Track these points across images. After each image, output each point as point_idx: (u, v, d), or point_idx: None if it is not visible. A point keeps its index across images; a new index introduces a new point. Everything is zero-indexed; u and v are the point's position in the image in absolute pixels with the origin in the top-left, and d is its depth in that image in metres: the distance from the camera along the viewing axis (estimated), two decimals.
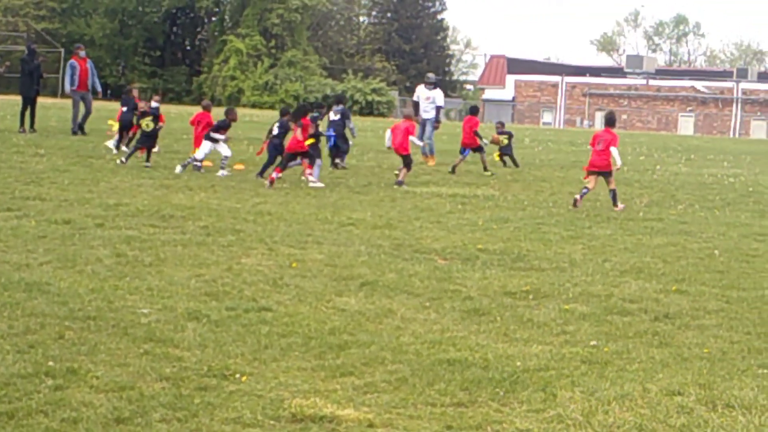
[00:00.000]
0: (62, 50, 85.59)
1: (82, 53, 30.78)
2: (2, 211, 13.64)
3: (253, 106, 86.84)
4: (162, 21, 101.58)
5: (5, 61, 30.30)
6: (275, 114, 69.99)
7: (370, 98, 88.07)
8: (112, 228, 12.78)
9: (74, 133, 29.25)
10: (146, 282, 9.63)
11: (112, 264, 10.46)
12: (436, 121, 27.65)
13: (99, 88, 31.82)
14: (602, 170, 17.98)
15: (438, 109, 27.63)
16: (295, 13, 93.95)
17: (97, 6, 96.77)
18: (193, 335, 7.77)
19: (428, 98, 27.77)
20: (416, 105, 27.77)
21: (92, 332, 7.70)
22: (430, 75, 30.38)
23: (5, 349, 7.09)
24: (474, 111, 27.06)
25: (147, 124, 21.54)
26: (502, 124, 29.68)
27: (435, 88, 28.31)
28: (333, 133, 25.02)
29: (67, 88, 30.31)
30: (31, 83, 29.02)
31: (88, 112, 30.36)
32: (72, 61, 30.60)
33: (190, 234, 12.64)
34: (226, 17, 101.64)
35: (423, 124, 27.15)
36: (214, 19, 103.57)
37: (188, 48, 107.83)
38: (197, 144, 22.11)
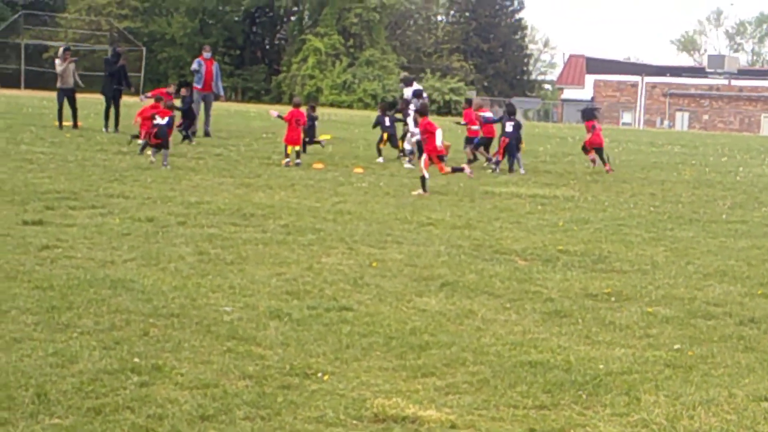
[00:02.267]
0: (143, 49, 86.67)
1: (208, 54, 30.71)
2: (87, 209, 13.84)
3: (331, 105, 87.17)
4: (242, 20, 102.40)
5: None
6: (353, 113, 70.22)
7: (447, 98, 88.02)
8: (194, 226, 12.90)
9: (185, 137, 27.16)
10: (228, 280, 9.70)
11: (195, 262, 10.56)
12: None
13: (221, 92, 31.54)
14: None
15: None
16: (373, 12, 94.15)
17: (178, 5, 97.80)
18: (275, 334, 7.81)
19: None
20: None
21: (176, 329, 7.78)
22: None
23: (92, 345, 7.19)
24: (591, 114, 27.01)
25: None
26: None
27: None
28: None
29: (195, 81, 30.21)
30: (111, 84, 29.27)
31: (207, 116, 30.28)
32: (199, 59, 30.61)
33: (271, 232, 12.72)
34: (305, 16, 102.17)
35: None
36: (293, 18, 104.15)
37: (267, 47, 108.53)
38: (290, 140, 22.46)
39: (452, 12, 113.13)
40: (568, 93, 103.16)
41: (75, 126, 28.99)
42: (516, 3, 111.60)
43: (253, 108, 65.45)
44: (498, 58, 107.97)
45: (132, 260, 10.44)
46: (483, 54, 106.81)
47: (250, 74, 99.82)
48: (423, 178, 18.47)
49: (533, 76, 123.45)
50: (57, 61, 30.18)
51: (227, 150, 25.25)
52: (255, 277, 9.91)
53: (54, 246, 10.90)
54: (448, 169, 19.63)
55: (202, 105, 30.02)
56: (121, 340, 7.38)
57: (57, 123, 29.08)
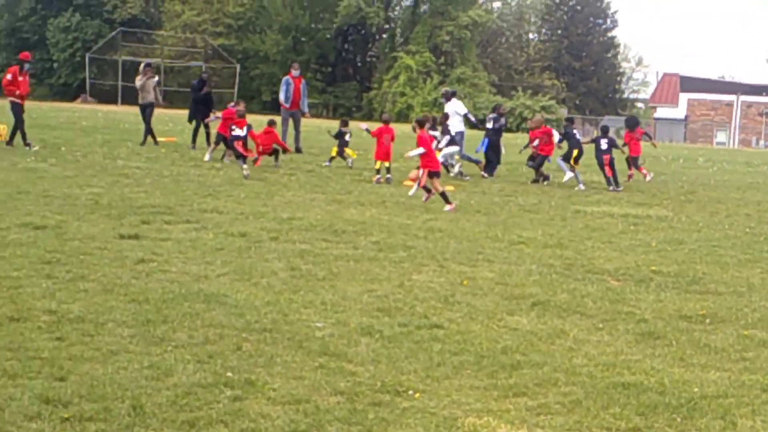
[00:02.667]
0: (237, 66, 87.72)
1: (296, 72, 31.05)
2: (182, 223, 14.03)
3: None
4: (334, 37, 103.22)
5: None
6: None
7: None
8: (286, 242, 13.00)
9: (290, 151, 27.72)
10: (320, 296, 9.76)
11: (287, 277, 10.63)
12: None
13: (306, 109, 31.77)
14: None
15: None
16: (465, 30, 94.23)
17: (271, 23, 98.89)
18: (367, 350, 7.83)
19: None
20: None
21: (268, 344, 7.84)
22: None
23: (186, 358, 7.28)
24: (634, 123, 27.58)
25: None
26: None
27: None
28: (486, 143, 25.49)
29: (283, 101, 30.54)
30: (196, 111, 29.46)
31: (297, 132, 30.63)
32: (287, 77, 30.91)
33: (362, 249, 12.77)
34: (397, 34, 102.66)
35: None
36: (384, 35, 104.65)
37: (359, 64, 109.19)
38: (379, 155, 22.63)
39: (544, 30, 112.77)
40: (662, 112, 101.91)
41: (144, 142, 29.27)
42: (609, 21, 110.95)
43: None
44: (590, 77, 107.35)
45: (225, 275, 10.55)
46: (575, 72, 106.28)
47: (341, 91, 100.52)
48: (443, 194, 18.23)
49: (625, 95, 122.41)
50: (138, 77, 30.62)
51: (319, 166, 25.43)
52: (346, 294, 9.95)
53: (149, 260, 11.06)
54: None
55: (291, 122, 30.37)
56: (214, 354, 7.46)
57: (152, 139, 29.49)
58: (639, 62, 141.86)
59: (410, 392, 6.84)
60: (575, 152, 24.59)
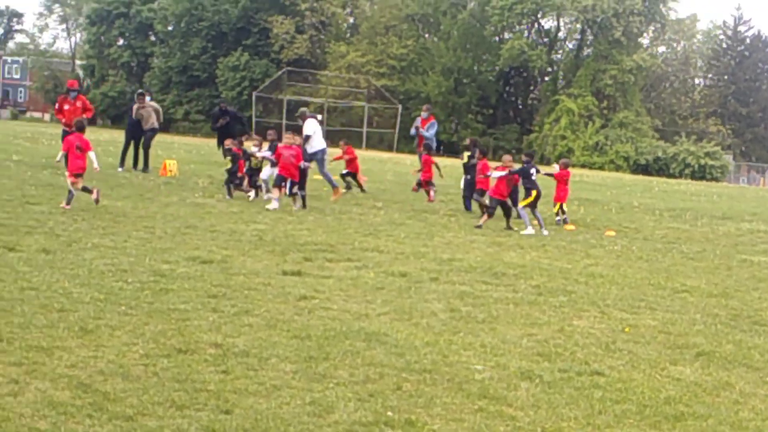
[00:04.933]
0: (399, 106, 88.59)
1: (425, 114, 31.37)
2: (343, 261, 14.20)
3: (583, 166, 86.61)
4: (496, 80, 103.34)
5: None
6: (605, 175, 69.53)
7: (702, 162, 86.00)
8: (446, 282, 13.03)
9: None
10: (479, 338, 9.74)
11: (447, 318, 10.65)
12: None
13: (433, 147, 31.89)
14: None
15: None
16: (628, 74, 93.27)
17: (434, 65, 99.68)
18: (526, 395, 7.79)
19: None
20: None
21: (428, 385, 7.86)
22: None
23: (347, 396, 7.35)
24: None
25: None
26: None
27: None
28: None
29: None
30: (222, 138, 29.29)
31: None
32: (418, 119, 31.11)
33: (522, 292, 12.71)
34: (559, 77, 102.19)
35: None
36: (546, 78, 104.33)
37: (520, 106, 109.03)
38: (559, 198, 23.65)
39: (710, 75, 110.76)
40: None
41: (136, 165, 29.04)
42: None
43: None
44: (757, 123, 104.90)
45: (385, 314, 10.63)
46: (741, 118, 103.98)
47: (502, 133, 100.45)
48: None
49: None
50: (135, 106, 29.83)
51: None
52: (506, 337, 9.92)
53: (311, 296, 11.22)
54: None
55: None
56: (375, 392, 7.52)
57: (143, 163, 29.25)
58: None
59: None
60: (533, 193, 21.81)
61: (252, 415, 6.77)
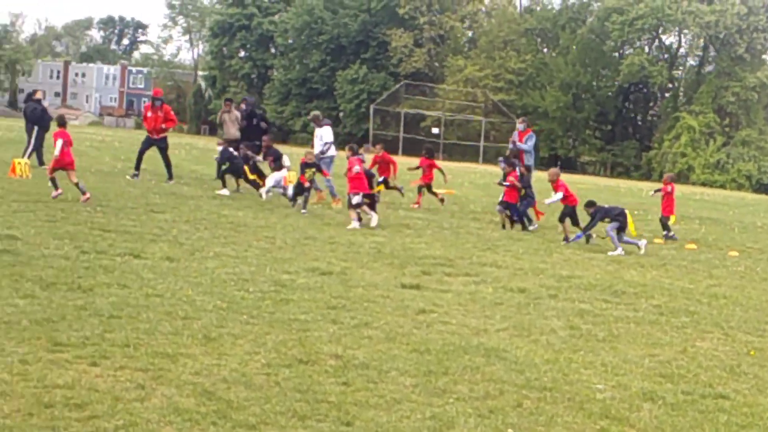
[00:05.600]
0: (517, 121, 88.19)
1: (521, 126, 31.06)
2: (461, 276, 14.17)
3: (703, 184, 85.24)
4: (615, 96, 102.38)
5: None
6: (727, 194, 68.32)
7: None
8: (566, 300, 12.91)
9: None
10: (600, 357, 9.62)
11: (566, 336, 10.55)
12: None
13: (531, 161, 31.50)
14: None
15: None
16: (752, 91, 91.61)
17: (552, 79, 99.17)
18: (649, 416, 7.66)
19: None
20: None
21: (548, 403, 7.79)
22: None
23: (467, 411, 7.32)
24: None
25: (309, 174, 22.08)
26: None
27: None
28: None
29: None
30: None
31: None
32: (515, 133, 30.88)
33: (643, 312, 12.52)
34: (680, 93, 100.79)
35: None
36: (667, 95, 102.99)
37: (639, 123, 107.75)
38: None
39: None
40: None
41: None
42: None
43: (623, 184, 65.00)
44: None
45: (504, 330, 10.56)
46: None
47: (620, 150, 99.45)
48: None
49: None
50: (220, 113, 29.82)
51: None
52: (627, 357, 9.77)
53: (430, 310, 11.21)
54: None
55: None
56: (495, 409, 7.47)
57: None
58: None
59: None
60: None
61: (373, 427, 6.78)
